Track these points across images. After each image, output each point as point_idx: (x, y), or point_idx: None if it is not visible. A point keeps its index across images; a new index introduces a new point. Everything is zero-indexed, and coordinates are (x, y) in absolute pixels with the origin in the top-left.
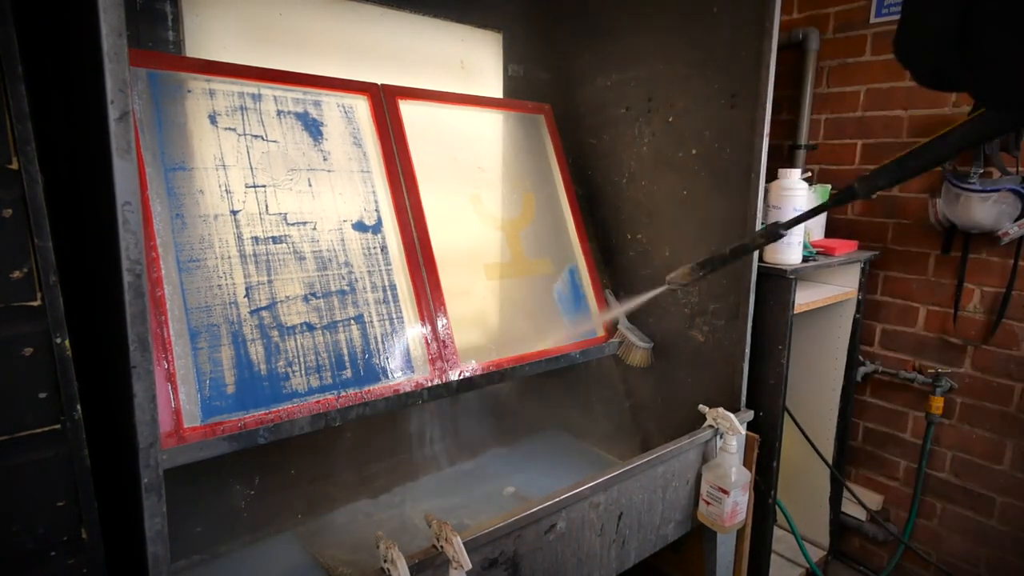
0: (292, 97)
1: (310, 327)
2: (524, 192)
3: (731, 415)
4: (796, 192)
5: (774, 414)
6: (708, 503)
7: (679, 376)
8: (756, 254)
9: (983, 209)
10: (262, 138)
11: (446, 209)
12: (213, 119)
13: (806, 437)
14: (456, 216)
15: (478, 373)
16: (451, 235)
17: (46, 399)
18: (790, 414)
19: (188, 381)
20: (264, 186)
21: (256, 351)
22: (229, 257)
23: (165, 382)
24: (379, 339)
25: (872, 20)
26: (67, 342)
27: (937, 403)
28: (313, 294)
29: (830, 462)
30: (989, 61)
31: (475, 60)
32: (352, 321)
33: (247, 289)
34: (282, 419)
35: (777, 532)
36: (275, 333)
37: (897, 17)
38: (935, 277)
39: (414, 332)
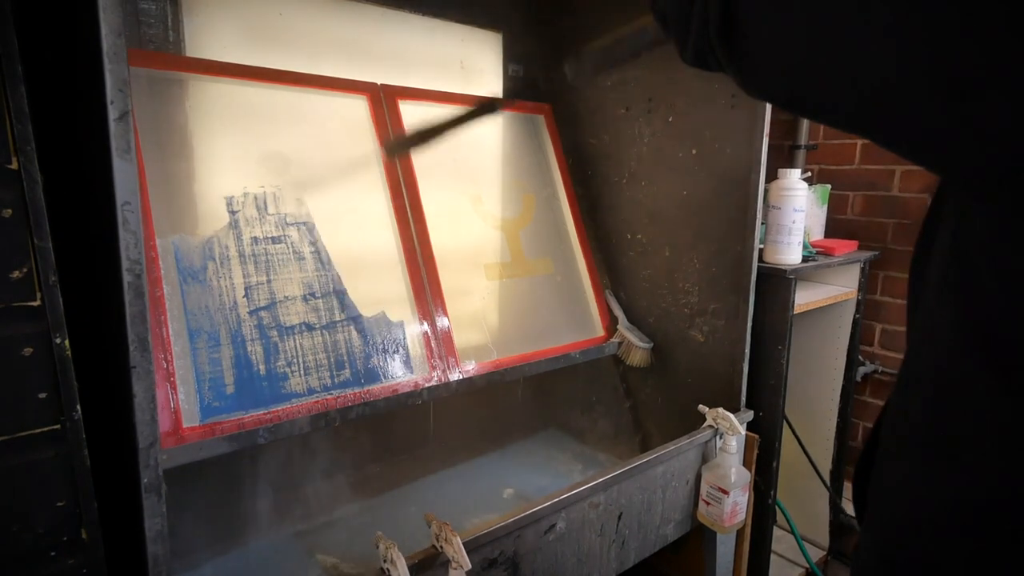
0: (292, 97)
1: (309, 327)
2: (524, 192)
3: (731, 415)
4: (796, 192)
5: (774, 414)
6: (708, 503)
7: (679, 376)
8: (756, 255)
9: None
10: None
11: (446, 209)
12: (213, 119)
13: (802, 447)
14: (456, 216)
15: (478, 373)
16: (451, 235)
17: (46, 399)
18: (788, 423)
19: (187, 381)
20: (263, 186)
21: (255, 351)
22: (228, 257)
23: (164, 382)
24: (378, 339)
25: None
26: (67, 342)
27: None
28: (312, 294)
29: (830, 462)
30: (749, 50)
31: (475, 60)
32: (351, 321)
33: (246, 289)
34: (281, 419)
35: (777, 532)
36: (274, 333)
37: None
38: None
39: (414, 332)
